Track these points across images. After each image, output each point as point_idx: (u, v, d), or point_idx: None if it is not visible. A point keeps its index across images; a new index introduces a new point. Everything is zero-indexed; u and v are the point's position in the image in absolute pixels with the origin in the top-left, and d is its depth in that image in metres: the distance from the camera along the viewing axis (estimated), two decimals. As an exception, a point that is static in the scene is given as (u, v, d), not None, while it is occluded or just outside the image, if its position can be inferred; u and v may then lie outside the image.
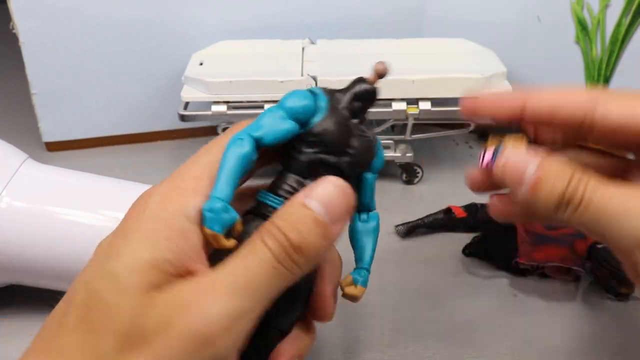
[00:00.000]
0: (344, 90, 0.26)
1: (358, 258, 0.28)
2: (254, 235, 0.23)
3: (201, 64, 0.51)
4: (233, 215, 0.23)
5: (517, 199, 0.26)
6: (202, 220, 0.22)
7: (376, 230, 0.28)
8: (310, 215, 0.23)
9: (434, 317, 0.38)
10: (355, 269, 0.28)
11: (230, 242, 0.23)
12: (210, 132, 0.58)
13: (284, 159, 0.26)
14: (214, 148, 0.24)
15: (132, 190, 0.38)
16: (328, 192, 0.23)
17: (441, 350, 0.36)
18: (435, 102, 0.49)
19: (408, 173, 0.52)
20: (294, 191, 0.24)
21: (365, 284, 0.27)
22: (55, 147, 0.58)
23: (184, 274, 0.22)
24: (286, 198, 0.24)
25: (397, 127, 0.52)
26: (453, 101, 0.49)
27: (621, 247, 0.24)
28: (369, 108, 0.26)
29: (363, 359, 0.35)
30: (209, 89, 0.48)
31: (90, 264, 0.23)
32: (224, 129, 0.50)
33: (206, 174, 0.24)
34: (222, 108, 0.48)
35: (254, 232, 0.23)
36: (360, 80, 0.26)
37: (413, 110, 0.49)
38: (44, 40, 0.53)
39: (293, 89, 0.48)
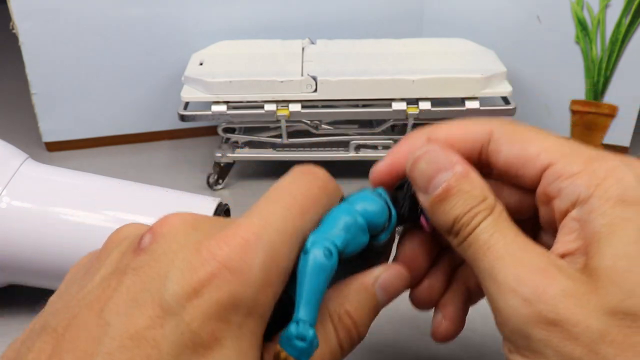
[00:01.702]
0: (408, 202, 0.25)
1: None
2: (325, 318, 0.22)
3: (201, 64, 0.51)
4: (315, 343, 0.21)
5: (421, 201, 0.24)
6: (284, 343, 0.20)
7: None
8: (377, 306, 0.24)
9: (434, 317, 0.38)
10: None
11: None
12: (210, 132, 0.58)
13: None
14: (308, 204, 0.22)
15: (132, 191, 0.38)
16: (398, 286, 0.24)
17: (441, 350, 0.36)
18: (435, 102, 0.49)
19: (408, 173, 0.52)
20: None
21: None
22: (55, 147, 0.58)
23: None
24: None
25: (397, 127, 0.52)
26: (453, 101, 0.49)
27: (491, 302, 0.22)
28: None
29: (362, 359, 0.35)
30: (209, 89, 0.48)
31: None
32: (224, 129, 0.50)
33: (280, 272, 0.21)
34: (222, 108, 0.48)
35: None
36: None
37: (413, 110, 0.49)
38: (44, 40, 0.53)
39: (293, 88, 0.48)
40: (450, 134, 0.25)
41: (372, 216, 0.23)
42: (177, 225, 0.20)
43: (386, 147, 0.51)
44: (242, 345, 0.19)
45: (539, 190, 0.23)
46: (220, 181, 0.52)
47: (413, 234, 0.27)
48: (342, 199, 0.25)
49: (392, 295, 0.24)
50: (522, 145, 0.23)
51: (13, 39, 0.53)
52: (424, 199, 0.23)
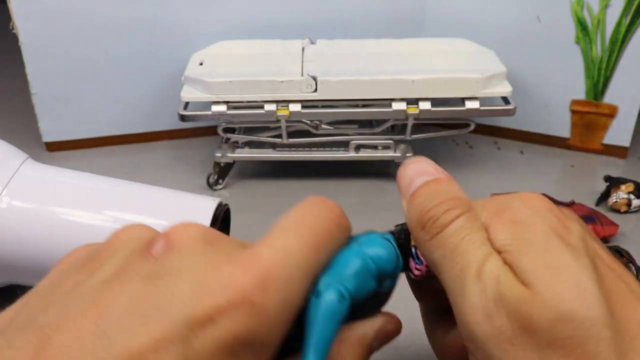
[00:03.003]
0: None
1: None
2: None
3: (201, 64, 0.51)
4: None
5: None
6: None
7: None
8: (369, 355, 0.23)
9: (434, 317, 0.38)
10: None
11: None
12: (210, 132, 0.58)
13: None
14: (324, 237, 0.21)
15: (132, 190, 0.38)
16: (393, 335, 0.24)
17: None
18: (435, 102, 0.49)
19: (408, 173, 0.52)
20: None
21: None
22: (55, 147, 0.58)
23: None
24: None
25: (397, 127, 0.52)
26: (453, 101, 0.49)
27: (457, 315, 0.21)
28: None
29: (363, 359, 0.35)
30: (209, 89, 0.48)
31: None
32: (224, 129, 0.50)
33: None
34: (222, 108, 0.48)
35: None
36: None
37: (413, 110, 0.49)
38: (44, 40, 0.53)
39: (293, 88, 0.48)
40: None
41: (383, 262, 0.23)
42: (193, 238, 0.19)
43: (386, 147, 0.51)
44: None
45: None
46: (220, 181, 0.52)
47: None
48: (350, 238, 0.24)
49: (384, 344, 0.24)
50: None
51: (13, 39, 0.53)
52: (404, 205, 0.24)
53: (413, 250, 0.24)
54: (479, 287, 0.20)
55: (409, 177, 0.24)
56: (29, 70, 0.54)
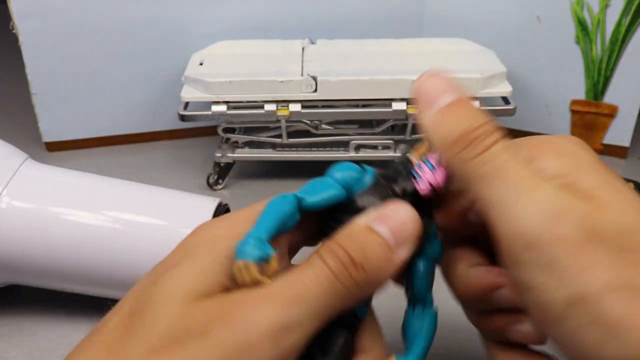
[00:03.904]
0: (394, 176, 0.25)
1: (408, 346, 0.26)
2: (311, 253, 0.22)
3: (201, 64, 0.51)
4: (268, 249, 0.21)
5: (421, 122, 0.23)
6: (234, 255, 0.21)
7: (431, 329, 0.26)
8: (376, 240, 0.22)
9: (434, 317, 0.38)
10: (402, 354, 0.25)
11: (264, 278, 0.20)
12: (210, 132, 0.58)
13: (322, 232, 0.25)
14: (259, 205, 0.24)
15: (132, 190, 0.38)
16: (397, 217, 0.23)
17: (441, 350, 0.36)
18: (435, 102, 0.49)
19: (408, 173, 0.52)
20: None
21: None
22: (55, 147, 0.58)
23: (233, 288, 0.21)
24: None
25: (397, 127, 0.52)
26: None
27: (497, 231, 0.22)
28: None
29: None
30: (208, 89, 0.48)
31: (145, 276, 0.22)
32: (224, 129, 0.50)
33: (253, 219, 0.23)
34: (222, 108, 0.48)
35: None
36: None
37: (413, 110, 0.49)
38: (44, 40, 0.53)
39: (293, 88, 0.48)
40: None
41: (337, 169, 0.25)
42: None
43: (386, 147, 0.51)
44: None
45: None
46: (220, 181, 0.52)
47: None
48: None
49: (399, 235, 0.22)
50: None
51: (13, 39, 0.53)
52: (427, 115, 0.23)
53: (413, 172, 0.25)
54: (540, 195, 0.21)
55: (434, 88, 0.23)
56: (29, 70, 0.54)
